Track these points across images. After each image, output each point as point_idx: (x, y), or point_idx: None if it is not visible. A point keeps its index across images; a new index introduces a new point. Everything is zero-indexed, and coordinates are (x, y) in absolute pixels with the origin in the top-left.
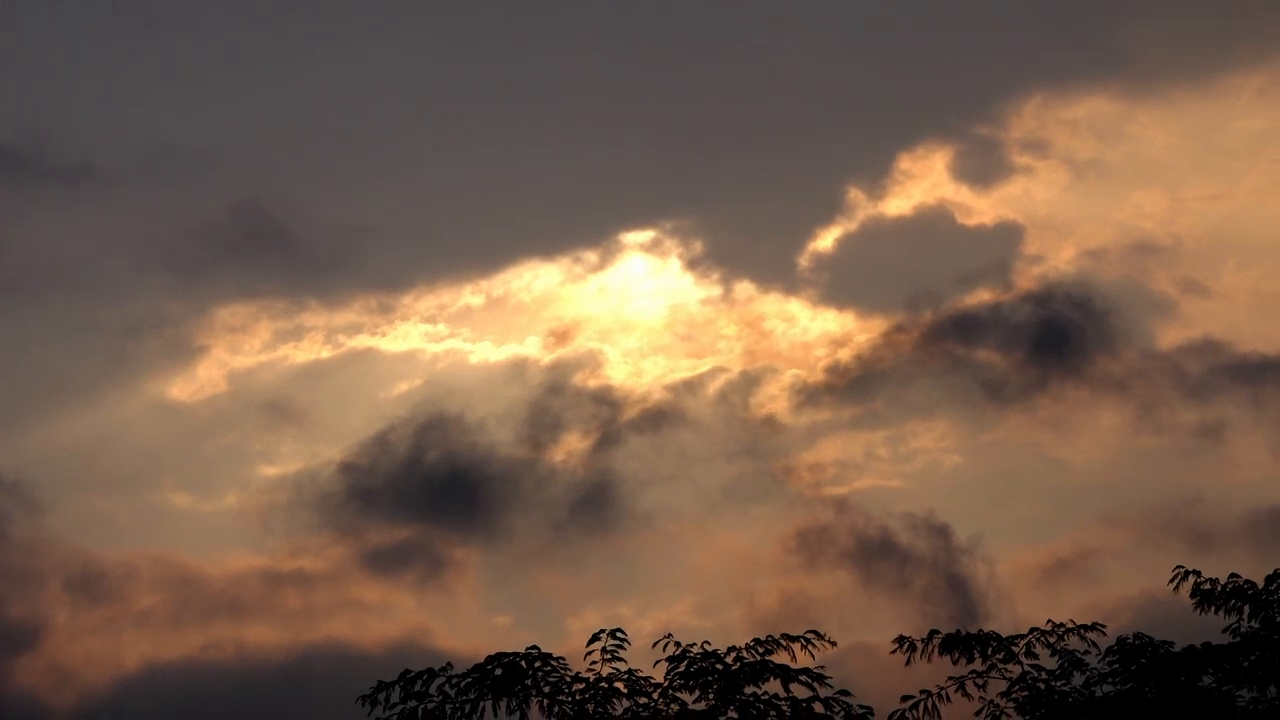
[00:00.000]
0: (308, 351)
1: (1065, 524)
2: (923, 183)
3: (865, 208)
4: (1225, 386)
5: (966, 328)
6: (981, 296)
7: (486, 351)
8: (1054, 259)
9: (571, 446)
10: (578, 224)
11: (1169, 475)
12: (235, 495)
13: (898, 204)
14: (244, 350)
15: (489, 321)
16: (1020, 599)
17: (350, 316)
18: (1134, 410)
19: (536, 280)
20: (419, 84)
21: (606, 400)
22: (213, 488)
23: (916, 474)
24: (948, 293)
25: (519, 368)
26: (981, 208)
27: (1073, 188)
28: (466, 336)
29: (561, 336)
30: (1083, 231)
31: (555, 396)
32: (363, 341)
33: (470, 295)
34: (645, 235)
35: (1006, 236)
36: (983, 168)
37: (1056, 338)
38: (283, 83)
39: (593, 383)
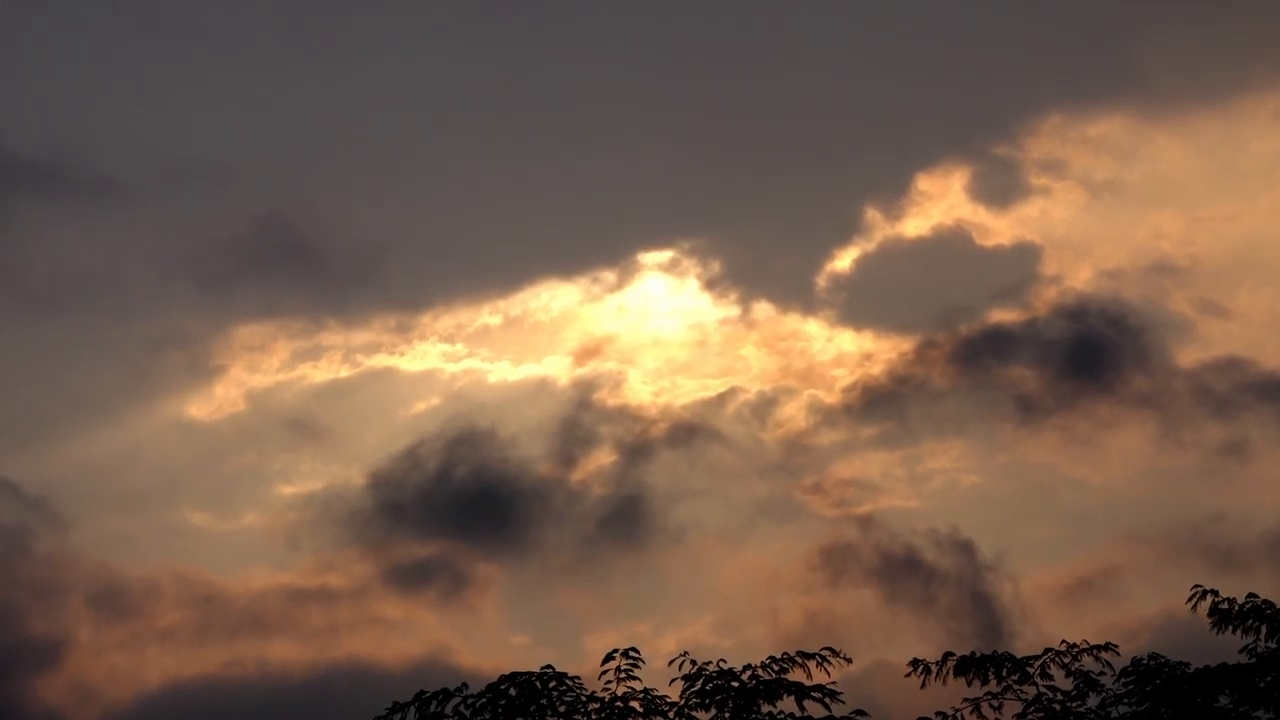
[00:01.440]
0: (326, 371)
1: (1086, 543)
2: (940, 203)
3: (883, 228)
4: (1246, 405)
5: (985, 348)
6: (1000, 317)
7: (505, 371)
8: (1072, 279)
9: (591, 466)
10: (596, 244)
11: (1191, 494)
12: (253, 515)
13: (915, 224)
14: (262, 369)
15: (507, 341)
16: (1043, 618)
17: (369, 336)
18: (1154, 429)
19: (555, 300)
20: (439, 101)
21: (625, 420)
22: (230, 507)
23: (935, 494)
24: (966, 313)
25: (537, 388)
26: (999, 228)
27: (1090, 208)
28: (485, 356)
29: (580, 356)
30: (1100, 252)
31: (574, 416)
32: (381, 361)
33: (488, 315)
34: (663, 255)
35: (1024, 257)
36: (1000, 188)
37: (1075, 358)
38: (306, 97)
39: (611, 403)
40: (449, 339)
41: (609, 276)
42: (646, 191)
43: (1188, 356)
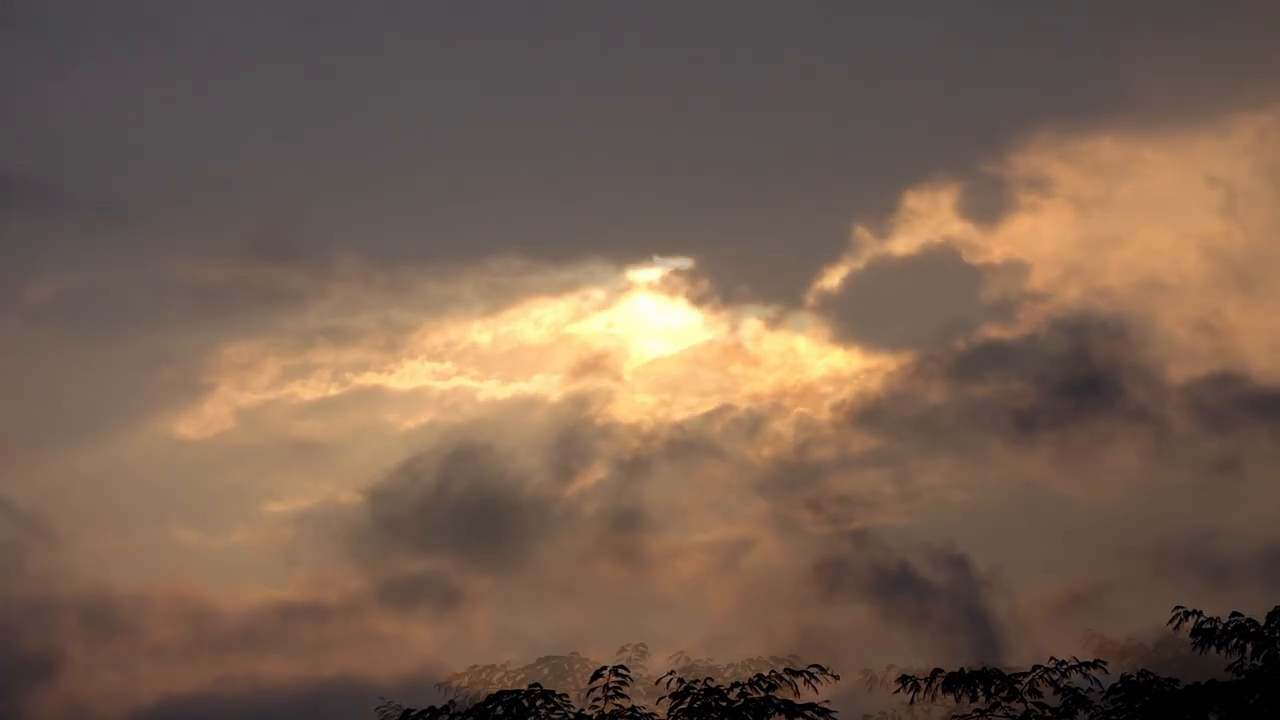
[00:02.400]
0: (315, 389)
1: (1079, 559)
2: (929, 220)
3: (872, 246)
4: (1239, 420)
5: (975, 365)
6: (989, 334)
7: (493, 389)
8: (1061, 296)
9: (581, 483)
10: (586, 262)
11: (1184, 510)
12: (243, 531)
13: (905, 242)
14: (251, 387)
15: (496, 359)
16: (1037, 632)
17: (358, 354)
18: (1147, 445)
19: (544, 318)
20: (433, 122)
21: (614, 437)
22: (219, 524)
23: (927, 510)
24: (955, 331)
25: (528, 405)
26: (988, 245)
27: (1079, 225)
28: (474, 375)
29: (569, 374)
30: (1090, 269)
31: (568, 433)
32: (370, 379)
33: (478, 333)
34: (653, 273)
35: (1013, 274)
36: (989, 205)
37: (1066, 374)
38: (302, 116)
39: (600, 420)
40: (438, 357)
41: (598, 295)
42: (636, 211)
43: (1179, 372)
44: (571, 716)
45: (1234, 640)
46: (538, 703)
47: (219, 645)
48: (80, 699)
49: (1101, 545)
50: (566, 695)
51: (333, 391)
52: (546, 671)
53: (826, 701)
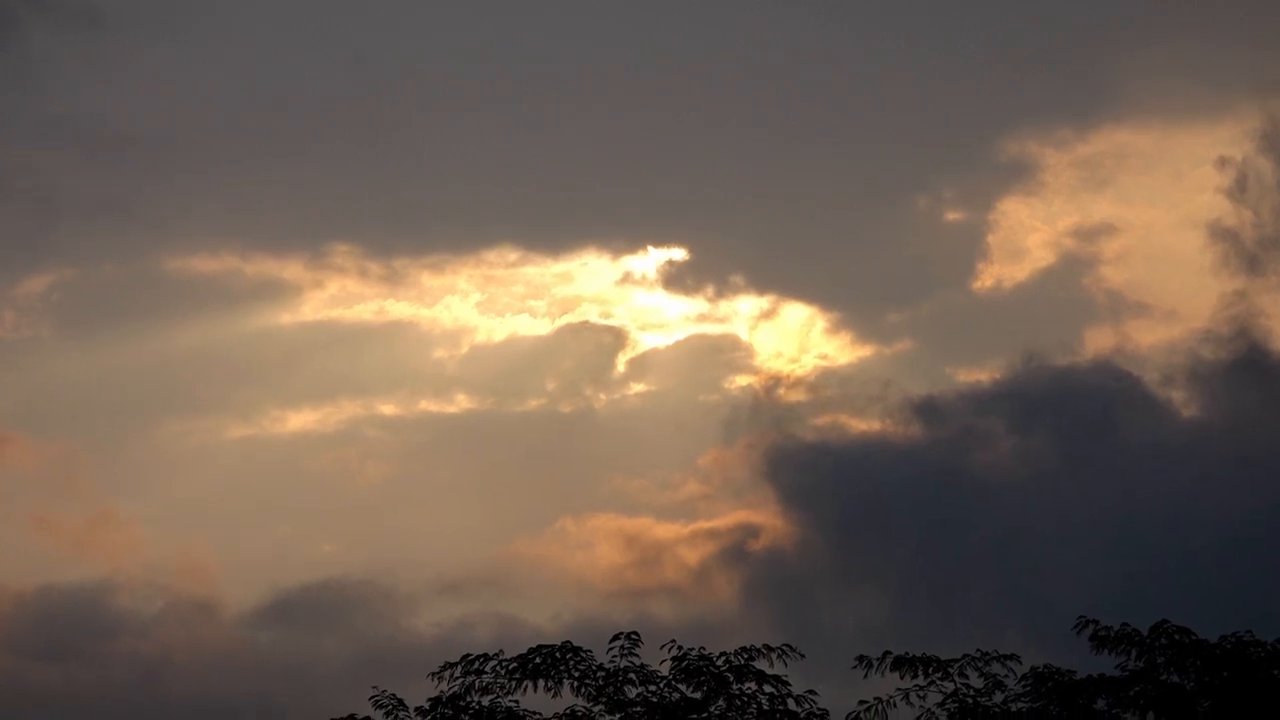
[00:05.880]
0: None
1: None
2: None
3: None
4: None
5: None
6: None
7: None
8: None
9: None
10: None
11: None
12: None
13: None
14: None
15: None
16: None
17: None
18: None
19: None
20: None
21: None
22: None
23: None
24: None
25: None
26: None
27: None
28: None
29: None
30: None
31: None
32: None
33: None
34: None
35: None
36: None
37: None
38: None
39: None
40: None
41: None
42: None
43: None
44: (594, 668)
45: (1121, 645)
46: (568, 655)
47: None
48: None
49: None
50: (591, 650)
51: None
52: (539, 660)
53: (786, 675)
